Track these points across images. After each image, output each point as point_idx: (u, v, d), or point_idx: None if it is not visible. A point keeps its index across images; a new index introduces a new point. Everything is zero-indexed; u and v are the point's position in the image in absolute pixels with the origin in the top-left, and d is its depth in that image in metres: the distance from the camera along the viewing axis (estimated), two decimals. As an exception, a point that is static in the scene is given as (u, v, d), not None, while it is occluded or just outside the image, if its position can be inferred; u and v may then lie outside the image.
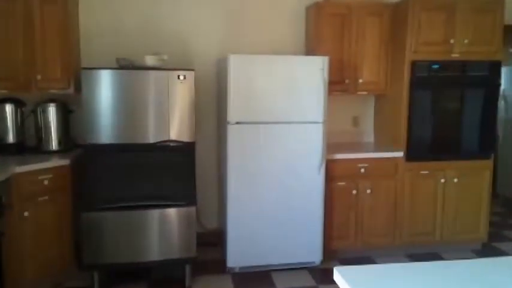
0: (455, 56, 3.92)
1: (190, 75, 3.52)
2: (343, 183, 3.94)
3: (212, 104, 4.28)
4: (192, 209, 3.43)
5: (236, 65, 3.51)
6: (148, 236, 3.39)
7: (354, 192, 3.95)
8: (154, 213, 3.39)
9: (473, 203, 4.12)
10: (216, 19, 4.22)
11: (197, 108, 3.81)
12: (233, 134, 3.56)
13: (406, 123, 3.96)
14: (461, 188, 4.07)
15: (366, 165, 3.94)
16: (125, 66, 3.61)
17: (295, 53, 4.29)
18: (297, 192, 3.73)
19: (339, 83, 4.07)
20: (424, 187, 4.04)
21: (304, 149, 3.70)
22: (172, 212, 3.41)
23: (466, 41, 3.90)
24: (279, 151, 3.65)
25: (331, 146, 3.87)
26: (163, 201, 3.40)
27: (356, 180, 3.95)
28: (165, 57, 3.69)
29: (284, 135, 3.65)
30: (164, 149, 3.47)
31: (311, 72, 3.61)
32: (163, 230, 3.40)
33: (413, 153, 3.98)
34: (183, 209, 3.42)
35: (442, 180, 4.04)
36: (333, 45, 4.04)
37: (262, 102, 3.57)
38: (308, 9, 4.25)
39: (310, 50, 4.18)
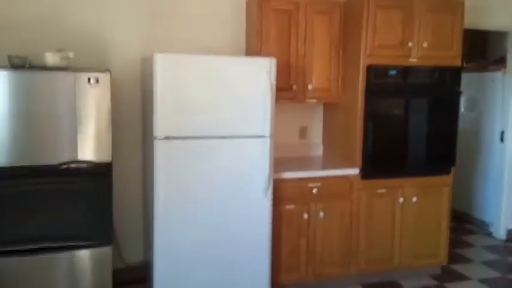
0: (413, 60, 3.51)
1: (105, 78, 2.81)
2: (292, 206, 3.37)
3: (135, 114, 3.54)
4: (107, 249, 2.69)
5: (164, 67, 2.83)
6: (50, 286, 2.60)
7: (305, 216, 3.40)
8: (58, 258, 2.62)
9: (432, 223, 3.73)
10: (140, 12, 3.50)
11: (116, 120, 3.08)
12: (161, 151, 2.88)
13: (362, 136, 3.49)
14: (421, 207, 3.67)
15: (318, 184, 3.41)
16: (18, 65, 2.80)
17: (234, 54, 3.67)
18: (240, 219, 3.11)
19: (285, 89, 3.51)
20: (381, 208, 3.59)
21: (248, 168, 3.09)
22: (81, 254, 2.66)
23: (425, 45, 3.50)
24: (217, 171, 3.02)
25: (276, 162, 3.30)
26: (70, 241, 2.63)
27: (307, 202, 3.40)
28: (71, 54, 2.93)
29: (224, 152, 3.02)
30: (71, 172, 2.71)
31: (256, 77, 3.02)
32: (70, 277, 2.63)
33: (370, 170, 3.51)
34: (95, 250, 2.68)
35: (401, 200, 3.61)
36: (278, 46, 3.48)
37: (196, 113, 2.92)
38: (249, 3, 3.67)
39: (252, 50, 3.59)
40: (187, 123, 2.91)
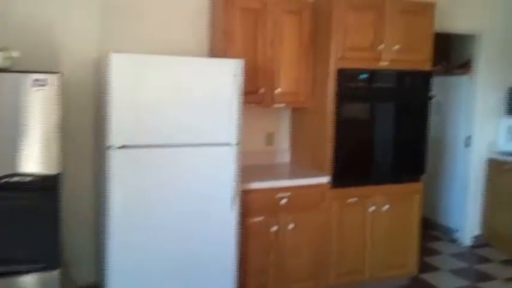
0: (384, 64, 3.38)
1: (54, 80, 2.51)
2: (260, 218, 3.16)
3: (88, 120, 3.22)
4: (55, 273, 2.38)
5: (120, 68, 2.55)
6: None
7: (274, 228, 3.19)
8: (-4, 285, 2.28)
9: (403, 232, 3.62)
10: (94, 8, 3.18)
11: (66, 127, 2.77)
12: (117, 162, 2.59)
13: (333, 143, 3.32)
14: (392, 216, 3.54)
15: (287, 194, 3.22)
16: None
17: (197, 56, 3.42)
18: (204, 234, 2.87)
19: (252, 92, 3.29)
20: (352, 217, 3.44)
21: (213, 179, 2.85)
22: (26, 280, 2.33)
23: (395, 48, 3.39)
24: (180, 183, 2.76)
25: (242, 170, 3.08)
26: (12, 266, 2.30)
27: (276, 214, 3.20)
28: (15, 54, 2.60)
29: (187, 162, 2.77)
30: (12, 187, 2.38)
31: (222, 80, 2.79)
32: (11, 307, 2.31)
33: (341, 178, 3.35)
34: (42, 275, 2.36)
35: (372, 209, 3.47)
36: (244, 47, 3.27)
37: (156, 119, 2.66)
38: (213, 1, 3.43)
39: (216, 52, 3.36)
40: (146, 130, 2.64)
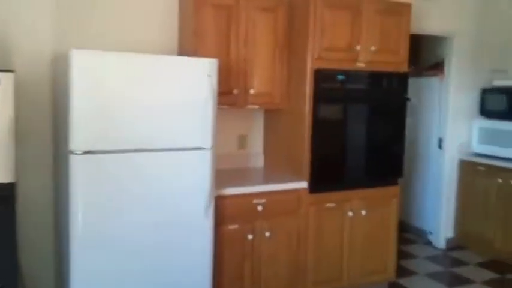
0: (360, 65, 3.29)
1: (6, 79, 2.25)
2: (235, 226, 2.99)
3: (46, 123, 2.96)
4: (10, 295, 2.13)
5: (83, 66, 2.32)
6: None
7: (250, 236, 3.03)
8: None
9: (381, 237, 3.52)
10: (50, 4, 2.93)
11: (21, 130, 2.51)
12: (79, 169, 2.36)
13: (309, 146, 3.19)
14: (370, 220, 3.44)
15: (263, 200, 3.06)
16: None
17: (165, 54, 3.22)
18: (177, 244, 2.66)
19: (225, 94, 3.12)
20: (330, 223, 3.31)
21: (186, 185, 2.66)
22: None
23: (372, 48, 3.29)
24: (150, 191, 2.55)
25: (215, 175, 2.91)
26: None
27: (252, 221, 3.04)
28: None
29: (157, 168, 2.56)
30: (-42, 198, 2.11)
31: (195, 80, 2.60)
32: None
33: (318, 183, 3.22)
34: (-7, 297, 2.10)
35: (350, 214, 3.36)
36: (216, 46, 3.09)
37: (123, 122, 2.44)
38: (183, -3, 3.25)
39: (186, 51, 3.16)
40: (112, 134, 2.42)
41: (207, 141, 2.66)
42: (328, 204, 3.29)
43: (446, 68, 4.55)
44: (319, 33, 3.12)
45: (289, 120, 3.37)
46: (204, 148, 2.67)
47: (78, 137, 2.33)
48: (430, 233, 4.80)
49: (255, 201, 3.03)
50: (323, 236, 3.29)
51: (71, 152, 2.33)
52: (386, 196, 3.52)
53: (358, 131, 3.31)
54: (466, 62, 4.53)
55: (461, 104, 4.58)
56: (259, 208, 3.05)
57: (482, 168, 4.41)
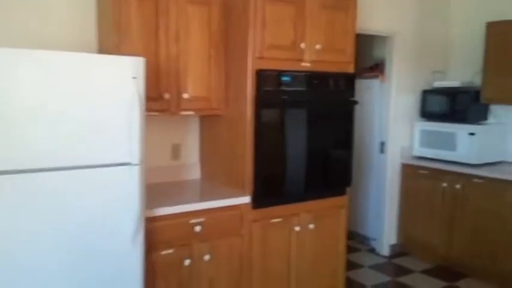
0: (306, 65, 3.01)
1: None
2: (170, 251, 2.58)
3: None
4: None
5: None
6: None
7: (187, 262, 2.63)
8: None
9: (330, 251, 3.27)
10: None
11: None
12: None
13: (252, 156, 2.85)
14: (318, 235, 3.18)
15: (201, 220, 2.68)
16: None
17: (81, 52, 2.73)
18: (101, 277, 2.22)
19: (154, 98, 2.71)
20: (276, 241, 3.00)
21: (109, 208, 2.21)
22: None
23: (318, 47, 3.03)
24: (63, 218, 2.09)
25: (145, 193, 2.49)
26: None
27: (189, 243, 2.65)
28: None
29: (72, 190, 2.10)
30: None
31: (117, 83, 2.16)
32: None
33: (262, 197, 2.90)
34: None
35: (297, 229, 3.07)
36: (143, 43, 2.67)
37: (28, 134, 1.96)
38: (102, -15, 2.78)
39: (106, 48, 2.70)
40: (13, 150, 1.93)
41: (133, 155, 2.23)
42: (273, 220, 2.97)
43: (387, 69, 4.42)
44: (260, 30, 2.80)
45: (228, 127, 3.01)
46: (130, 164, 2.24)
47: (-37, 155, 1.82)
48: (373, 239, 4.66)
49: (192, 220, 2.65)
50: (269, 256, 2.97)
51: (-46, 175, 1.82)
52: (335, 207, 3.27)
53: (304, 138, 3.02)
54: (407, 62, 4.43)
55: (402, 106, 4.47)
56: (197, 229, 2.66)
57: (426, 172, 4.32)
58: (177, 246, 2.60)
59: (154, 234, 2.50)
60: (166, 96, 2.77)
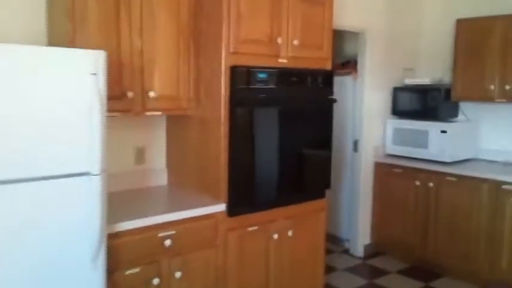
0: (283, 61, 2.78)
1: None
2: (136, 270, 2.30)
3: None
4: None
5: None
6: None
7: (156, 281, 2.36)
8: None
9: (309, 258, 3.09)
10: None
11: None
12: None
13: (227, 159, 2.61)
14: (297, 241, 2.98)
15: (171, 233, 2.41)
16: None
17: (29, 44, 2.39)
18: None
19: (117, 97, 2.41)
20: (253, 251, 2.77)
21: (64, 225, 1.92)
22: None
23: (295, 42, 2.81)
24: (11, 237, 1.77)
25: (106, 204, 2.20)
26: None
27: (158, 260, 2.37)
28: None
29: (20, 205, 1.79)
30: None
31: (73, 80, 1.86)
32: None
33: (238, 204, 2.66)
34: None
35: (275, 236, 2.85)
36: (102, 35, 2.36)
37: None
38: (53, -32, 2.43)
39: (58, 40, 2.37)
40: None
41: (94, 163, 1.94)
42: (250, 228, 2.74)
43: (359, 66, 4.27)
44: (235, 22, 2.54)
45: (199, 129, 2.74)
46: (89, 173, 1.94)
47: None
48: (347, 240, 4.52)
49: (160, 234, 2.37)
50: (246, 267, 2.74)
51: None
52: (314, 211, 3.09)
53: (283, 138, 2.80)
54: (379, 59, 4.29)
55: (376, 104, 4.34)
56: (167, 243, 2.39)
57: (399, 171, 4.22)
58: (144, 264, 2.32)
59: (117, 252, 2.21)
60: (130, 94, 2.47)
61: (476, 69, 3.94)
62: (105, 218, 2.02)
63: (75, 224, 1.94)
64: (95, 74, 1.87)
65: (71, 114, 1.85)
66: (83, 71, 1.86)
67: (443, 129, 4.01)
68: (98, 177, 1.95)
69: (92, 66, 1.87)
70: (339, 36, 4.53)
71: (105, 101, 1.95)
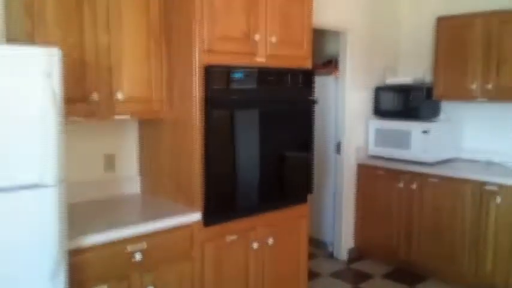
0: (260, 60, 2.62)
1: None
2: (104, 287, 2.11)
3: None
4: None
5: None
6: None
7: (125, 299, 2.17)
8: None
9: (291, 267, 2.94)
10: None
11: None
12: None
13: (202, 165, 2.43)
14: (278, 250, 2.82)
15: (142, 246, 2.22)
16: None
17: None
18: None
19: (79, 100, 2.21)
20: (232, 262, 2.60)
21: (14, 245, 1.71)
22: None
23: (273, 40, 2.65)
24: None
25: (69, 214, 2.00)
26: None
27: (127, 276, 2.19)
28: None
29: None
30: None
31: (24, 81, 1.66)
32: None
33: (215, 212, 2.48)
34: None
35: (255, 246, 2.69)
36: (63, 31, 2.16)
37: None
38: (8, -41, 2.22)
39: (15, 35, 2.15)
40: None
41: (48, 174, 1.73)
42: (228, 238, 2.57)
43: (340, 66, 4.13)
44: (209, 18, 2.37)
45: (173, 132, 2.56)
46: (43, 185, 1.74)
47: None
48: (331, 244, 4.39)
49: (130, 248, 2.18)
50: (224, 280, 2.57)
51: None
52: (295, 217, 2.94)
53: (260, 142, 2.63)
54: (360, 58, 4.16)
55: (358, 105, 4.21)
56: (138, 257, 2.20)
57: (381, 173, 4.10)
58: (112, 281, 2.13)
59: (81, 270, 2.02)
60: (95, 96, 2.27)
61: (458, 67, 3.85)
62: (64, 232, 1.83)
63: (28, 241, 1.73)
64: (49, 74, 1.67)
65: (19, 118, 1.64)
66: (35, 70, 1.66)
67: (424, 129, 3.91)
68: (54, 188, 1.75)
69: (44, 64, 1.67)
70: (320, 36, 4.41)
71: (60, 103, 1.74)
